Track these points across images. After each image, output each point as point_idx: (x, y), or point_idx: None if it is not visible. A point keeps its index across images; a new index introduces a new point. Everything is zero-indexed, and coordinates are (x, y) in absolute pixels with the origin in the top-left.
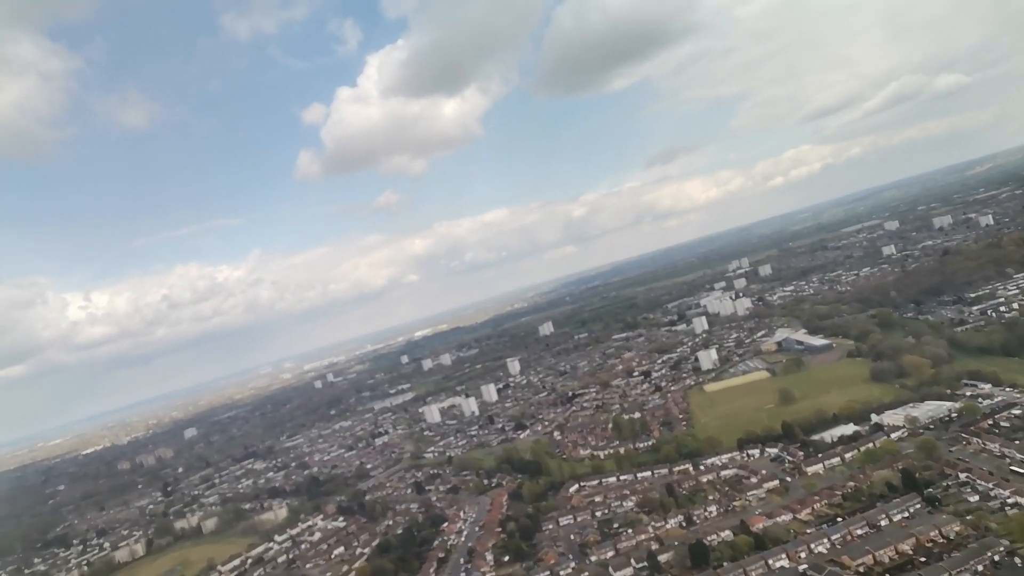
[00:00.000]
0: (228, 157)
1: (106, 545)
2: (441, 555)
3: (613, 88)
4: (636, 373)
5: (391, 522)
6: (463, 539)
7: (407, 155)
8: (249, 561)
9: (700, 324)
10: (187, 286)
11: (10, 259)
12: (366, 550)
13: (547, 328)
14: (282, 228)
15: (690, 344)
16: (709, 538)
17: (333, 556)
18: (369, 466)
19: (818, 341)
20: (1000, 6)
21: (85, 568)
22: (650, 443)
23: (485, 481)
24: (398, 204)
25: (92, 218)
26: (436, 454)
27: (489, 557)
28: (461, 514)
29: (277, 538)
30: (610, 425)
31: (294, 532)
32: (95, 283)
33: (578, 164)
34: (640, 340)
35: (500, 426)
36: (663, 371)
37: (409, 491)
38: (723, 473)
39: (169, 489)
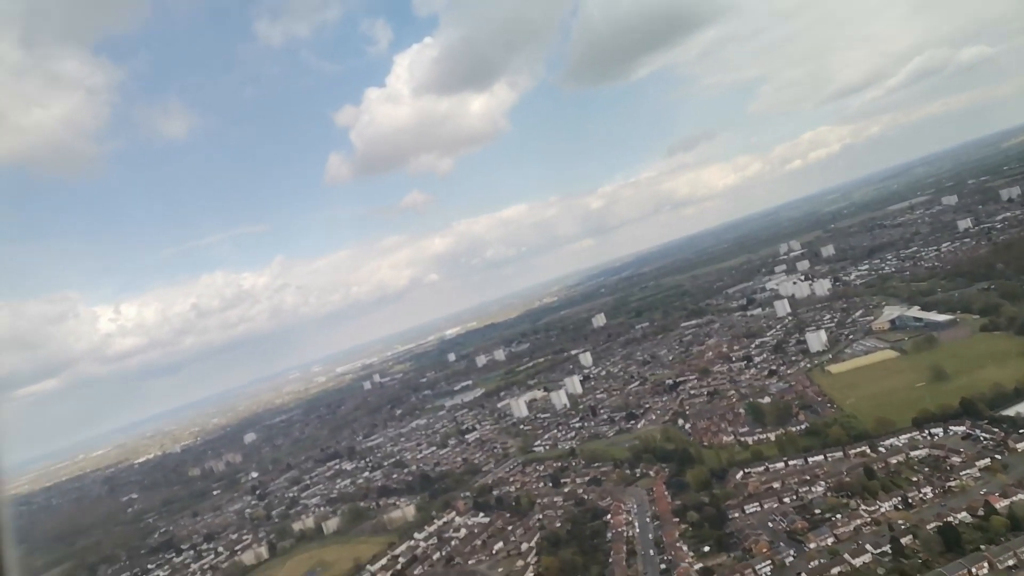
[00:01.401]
0: (255, 164)
1: (220, 549)
2: (625, 547)
3: (637, 77)
4: (735, 358)
5: (541, 516)
6: (637, 531)
7: (434, 154)
8: (401, 560)
9: (782, 307)
10: (214, 294)
11: (43, 274)
12: (531, 544)
13: (600, 320)
14: (306, 233)
15: (780, 328)
16: (946, 520)
17: (494, 551)
18: (476, 461)
19: (939, 317)
20: None
21: (209, 572)
22: (802, 427)
23: (627, 471)
24: (424, 204)
25: (121, 231)
26: (547, 447)
27: (683, 547)
28: (622, 505)
29: (417, 535)
30: (742, 411)
31: (432, 529)
32: (122, 295)
33: (598, 156)
34: (716, 326)
35: (606, 417)
36: (764, 355)
37: (542, 484)
38: (913, 453)
39: (259, 492)
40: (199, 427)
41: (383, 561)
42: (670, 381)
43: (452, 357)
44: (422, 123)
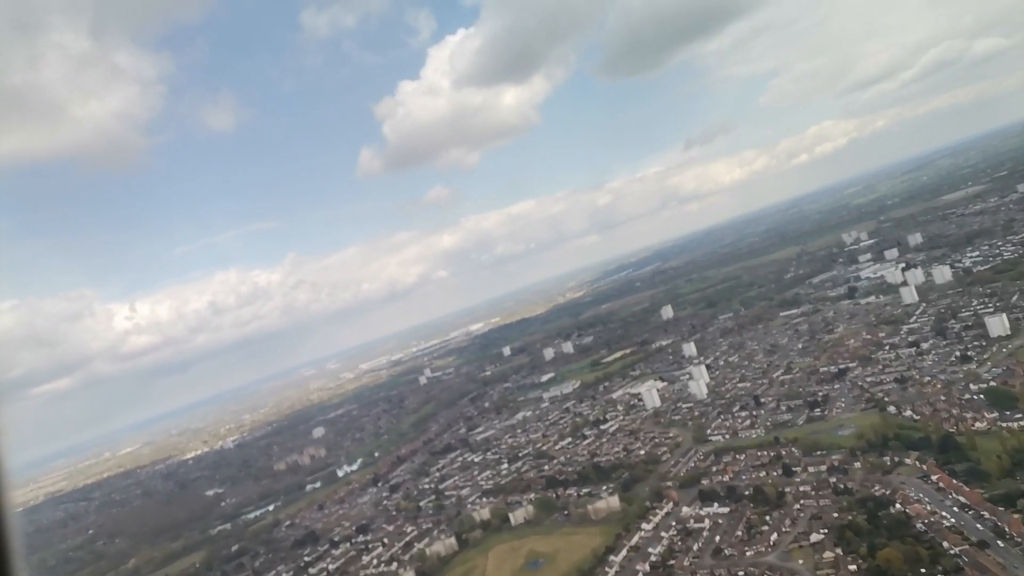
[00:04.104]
0: (287, 158)
1: (386, 540)
2: (959, 536)
3: (668, 68)
4: (891, 345)
5: (799, 505)
6: (952, 520)
7: (464, 148)
8: (651, 551)
9: (909, 294)
10: (229, 291)
11: (63, 271)
12: (818, 536)
13: (668, 311)
14: (324, 229)
15: (923, 314)
16: None
17: (772, 542)
18: (642, 452)
19: None
20: None
21: (394, 564)
22: None
23: (873, 459)
24: (447, 199)
25: (144, 226)
26: (725, 437)
27: None
28: (909, 494)
29: (645, 526)
30: (975, 396)
31: (657, 520)
32: (136, 292)
33: (614, 150)
34: (830, 315)
35: (775, 406)
36: (931, 341)
37: (764, 473)
38: None
39: (385, 485)
40: (232, 424)
41: (624, 552)
42: (828, 368)
43: (507, 351)
44: (457, 116)
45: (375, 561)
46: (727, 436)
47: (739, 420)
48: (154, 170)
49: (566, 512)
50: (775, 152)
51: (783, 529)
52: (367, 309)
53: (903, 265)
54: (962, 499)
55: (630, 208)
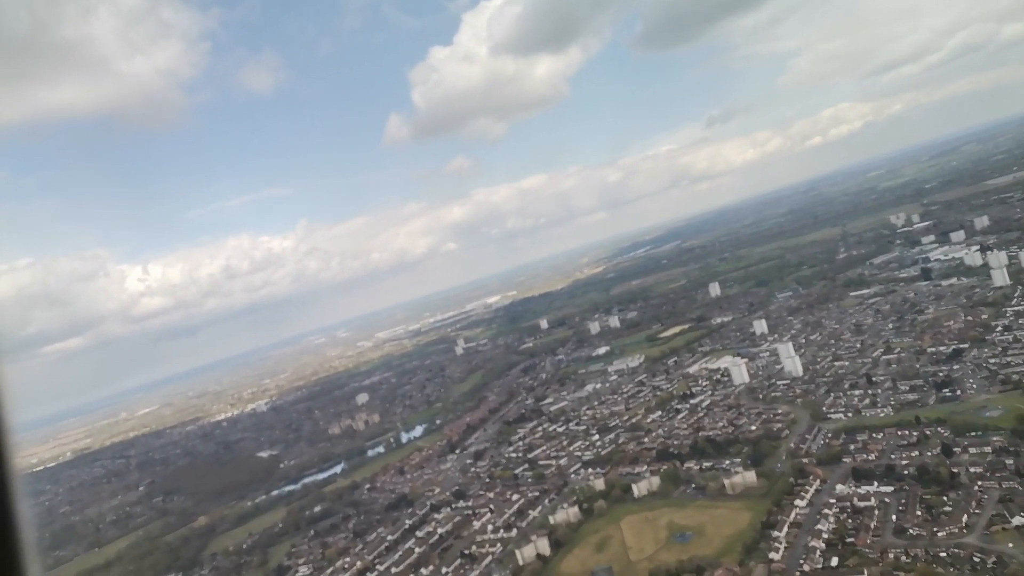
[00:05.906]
0: (313, 124)
1: (492, 507)
2: None
3: (702, 42)
4: (1001, 327)
5: (978, 487)
6: None
7: (491, 118)
8: (821, 527)
9: (1000, 276)
10: (242, 256)
11: (81, 230)
12: (1022, 519)
13: (715, 289)
14: (339, 196)
15: (1022, 296)
16: None
17: (964, 524)
18: (753, 427)
19: None
20: None
21: (514, 530)
22: None
23: None
24: (468, 170)
25: (163, 189)
26: (847, 415)
27: None
28: None
29: (798, 503)
30: None
31: (808, 497)
32: (148, 254)
33: (634, 125)
34: (910, 296)
35: (891, 385)
36: None
37: (916, 453)
38: None
39: (464, 452)
40: (255, 388)
41: (785, 528)
42: (936, 349)
43: (544, 324)
44: (488, 85)
45: (489, 527)
46: (849, 415)
47: (855, 399)
48: (185, 130)
49: (693, 485)
50: (789, 133)
51: (971, 511)
52: (375, 279)
53: (977, 247)
54: None
55: (640, 186)
